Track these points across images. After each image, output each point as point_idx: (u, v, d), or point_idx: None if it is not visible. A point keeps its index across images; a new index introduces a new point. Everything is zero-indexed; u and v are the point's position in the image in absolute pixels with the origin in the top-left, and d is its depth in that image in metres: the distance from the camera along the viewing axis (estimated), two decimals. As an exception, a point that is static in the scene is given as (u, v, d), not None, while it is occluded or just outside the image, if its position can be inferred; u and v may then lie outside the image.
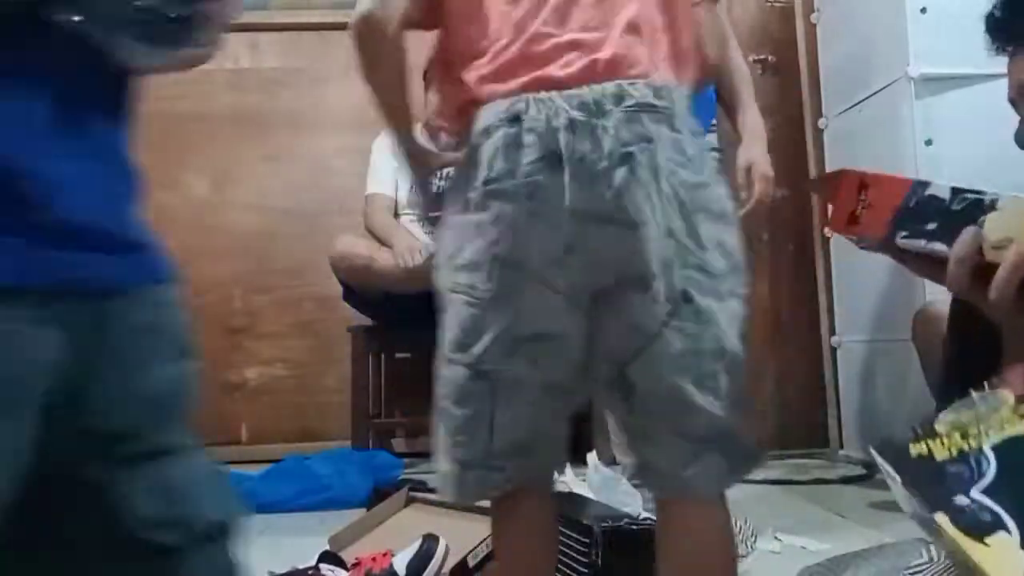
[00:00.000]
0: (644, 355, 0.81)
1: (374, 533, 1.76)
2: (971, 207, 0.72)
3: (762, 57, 3.17)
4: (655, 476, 0.87)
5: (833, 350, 2.92)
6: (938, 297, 1.77)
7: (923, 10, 2.30)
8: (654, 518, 0.93)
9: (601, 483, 1.61)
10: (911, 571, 0.94)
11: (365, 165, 2.85)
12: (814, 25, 3.00)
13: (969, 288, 0.70)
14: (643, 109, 0.81)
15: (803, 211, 3.12)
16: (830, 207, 0.79)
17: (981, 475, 0.59)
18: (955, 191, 0.73)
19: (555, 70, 0.82)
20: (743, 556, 1.71)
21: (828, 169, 2.92)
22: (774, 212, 3.03)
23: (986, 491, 0.59)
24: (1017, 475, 0.59)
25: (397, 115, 0.99)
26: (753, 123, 1.84)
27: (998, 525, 0.57)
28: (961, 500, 0.59)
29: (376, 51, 0.90)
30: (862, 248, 0.80)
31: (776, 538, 1.76)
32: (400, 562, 1.45)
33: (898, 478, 0.63)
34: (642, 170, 0.79)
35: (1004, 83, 1.93)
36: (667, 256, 0.80)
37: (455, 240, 0.85)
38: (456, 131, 0.90)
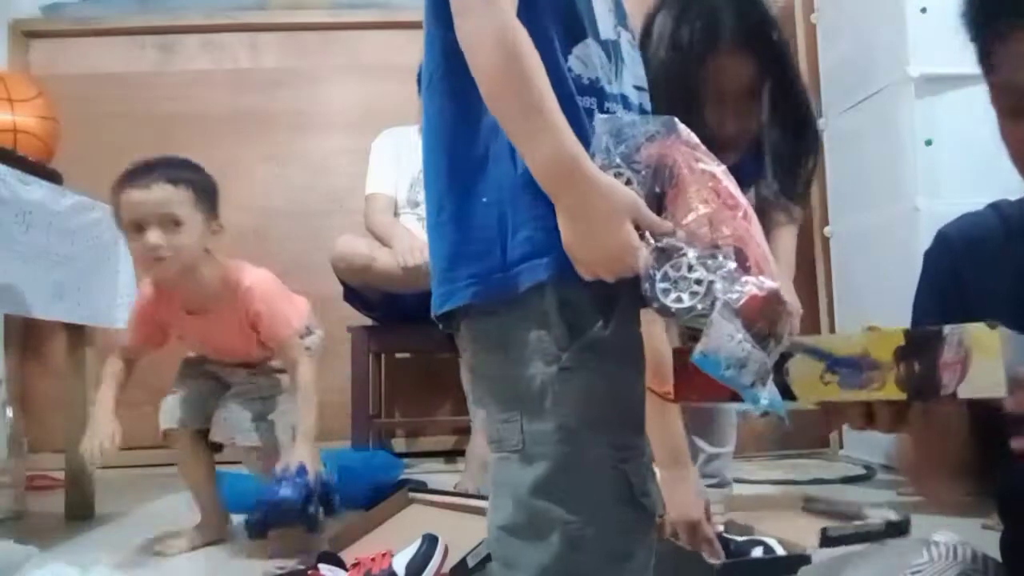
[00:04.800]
0: None
1: (374, 533, 1.76)
2: None
3: (762, 57, 3.17)
4: None
5: (833, 350, 2.91)
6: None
7: (923, 10, 2.31)
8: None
9: None
10: (911, 571, 0.93)
11: (365, 165, 2.84)
12: (814, 25, 3.00)
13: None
14: None
15: (803, 211, 3.11)
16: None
17: None
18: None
19: None
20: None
21: (828, 168, 2.92)
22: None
23: None
24: None
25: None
26: (784, 256, 1.73)
27: None
28: None
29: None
30: None
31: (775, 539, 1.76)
32: (400, 562, 1.45)
33: None
34: None
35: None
36: None
37: None
38: None
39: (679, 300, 0.69)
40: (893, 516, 1.66)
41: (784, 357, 0.70)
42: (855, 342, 0.68)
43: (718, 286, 0.68)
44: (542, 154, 0.70)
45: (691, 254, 0.70)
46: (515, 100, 0.71)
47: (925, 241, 0.96)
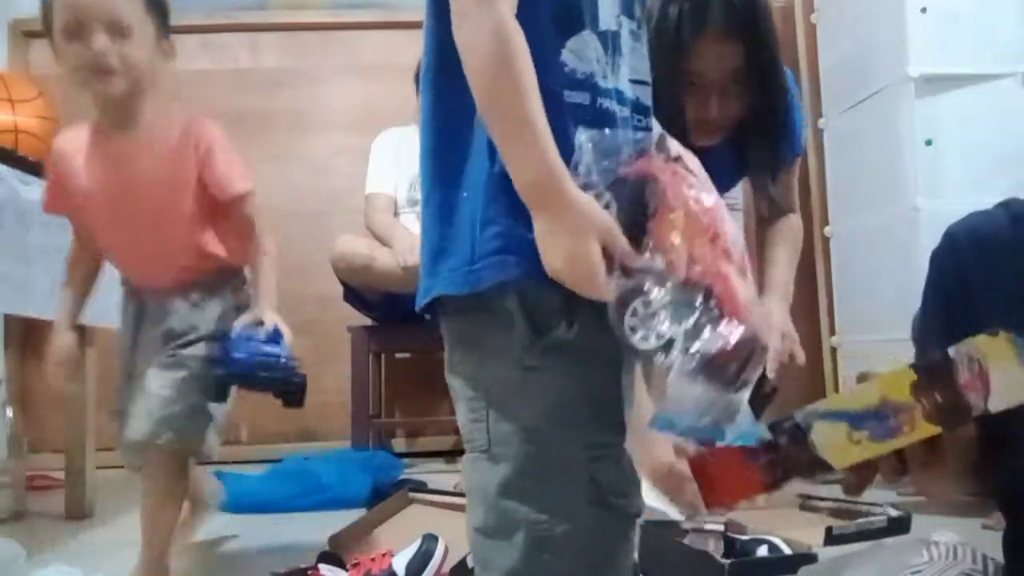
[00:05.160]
0: None
1: (374, 533, 1.76)
2: None
3: (762, 57, 3.17)
4: None
5: (833, 350, 2.92)
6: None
7: (923, 10, 2.31)
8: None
9: None
10: (911, 571, 0.93)
11: (365, 165, 2.85)
12: (814, 25, 3.00)
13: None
14: None
15: (803, 211, 3.11)
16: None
17: None
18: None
19: None
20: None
21: (828, 168, 2.92)
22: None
23: None
24: None
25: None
26: (781, 282, 1.70)
27: None
28: None
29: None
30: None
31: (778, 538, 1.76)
32: (400, 562, 1.45)
33: None
34: None
35: (1004, 83, 1.93)
36: None
37: None
38: None
39: (645, 340, 0.68)
40: (893, 512, 1.66)
41: (804, 430, 0.68)
42: (869, 393, 0.66)
43: (679, 345, 0.66)
44: (526, 169, 0.70)
45: (661, 296, 0.68)
46: (505, 111, 0.71)
47: (925, 241, 0.97)
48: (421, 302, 0.81)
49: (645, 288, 0.69)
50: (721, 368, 0.66)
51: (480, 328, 0.77)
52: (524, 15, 0.72)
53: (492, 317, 0.76)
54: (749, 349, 0.67)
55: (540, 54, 0.72)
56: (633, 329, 0.68)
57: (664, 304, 0.68)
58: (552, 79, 0.74)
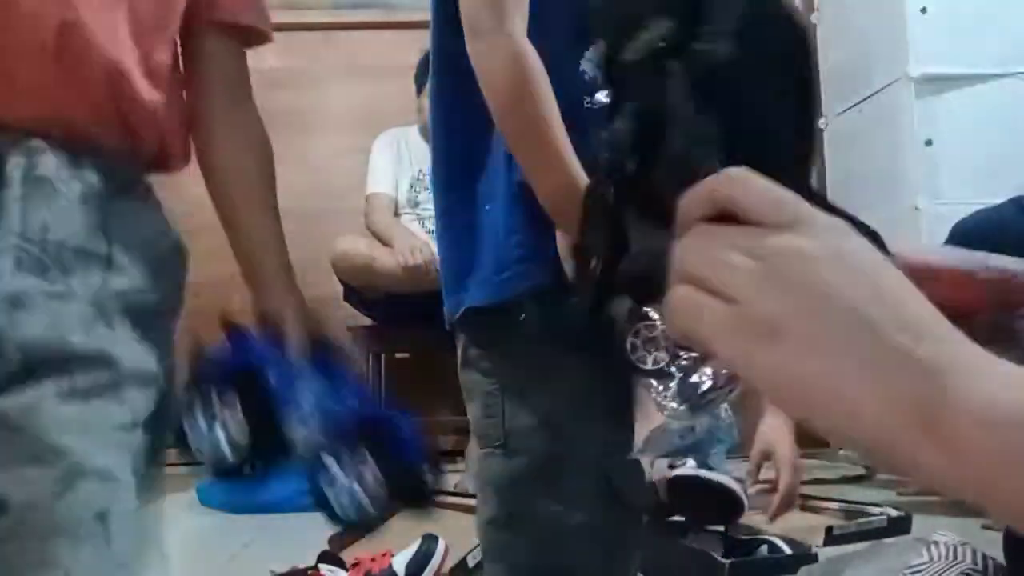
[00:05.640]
0: None
1: (374, 533, 1.76)
2: None
3: (762, 57, 3.17)
4: None
5: (833, 350, 2.92)
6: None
7: (923, 10, 2.31)
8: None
9: None
10: (911, 571, 0.94)
11: (365, 165, 2.85)
12: (814, 25, 3.00)
13: None
14: None
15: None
16: None
17: None
18: None
19: None
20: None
21: (828, 168, 2.93)
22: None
23: None
24: None
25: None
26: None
27: None
28: None
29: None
30: None
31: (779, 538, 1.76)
32: (400, 562, 1.45)
33: None
34: None
35: (1005, 83, 1.93)
36: None
37: None
38: None
39: (642, 361, 0.70)
40: (893, 512, 1.66)
41: None
42: None
43: (674, 382, 0.69)
44: (549, 184, 0.72)
45: (662, 323, 0.68)
46: (526, 131, 0.72)
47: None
48: (453, 317, 0.82)
49: (649, 312, 0.70)
50: (710, 401, 0.69)
51: (499, 327, 0.79)
52: (542, 29, 0.73)
53: (512, 317, 0.78)
54: (737, 382, 0.70)
55: (560, 65, 0.73)
56: (633, 348, 0.71)
57: (664, 331, 0.70)
58: (573, 88, 0.75)
